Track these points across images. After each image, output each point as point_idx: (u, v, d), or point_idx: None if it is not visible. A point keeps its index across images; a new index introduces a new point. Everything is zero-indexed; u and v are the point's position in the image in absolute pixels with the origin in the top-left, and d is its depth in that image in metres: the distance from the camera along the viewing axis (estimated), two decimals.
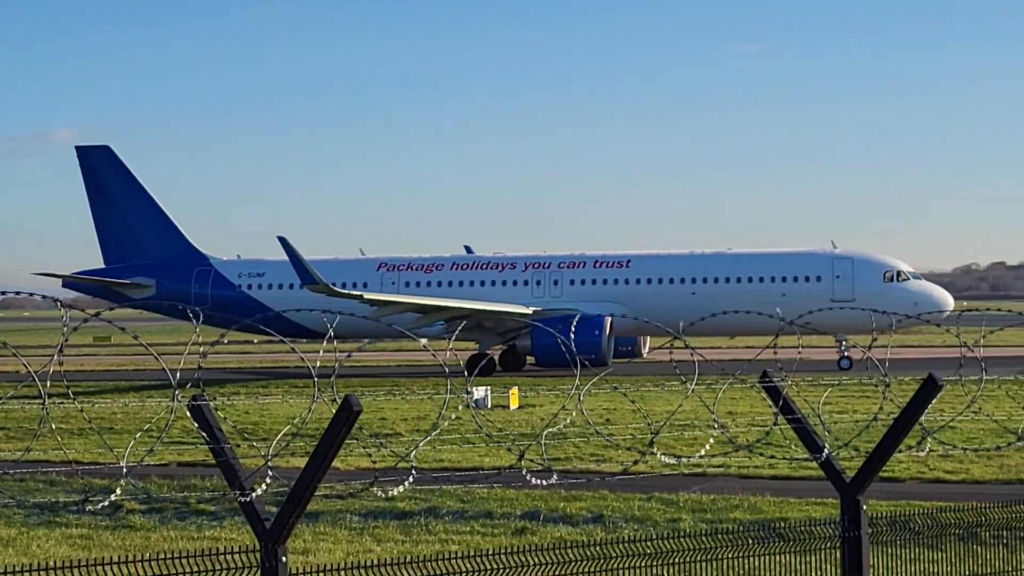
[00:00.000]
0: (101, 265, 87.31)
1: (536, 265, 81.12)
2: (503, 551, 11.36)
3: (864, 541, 10.45)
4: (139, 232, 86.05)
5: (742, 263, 78.95)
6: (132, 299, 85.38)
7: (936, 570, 16.66)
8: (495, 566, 11.18)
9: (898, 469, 31.26)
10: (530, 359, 77.44)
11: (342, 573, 11.07)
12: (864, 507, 10.57)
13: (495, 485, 27.81)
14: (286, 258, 77.82)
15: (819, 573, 14.62)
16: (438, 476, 26.35)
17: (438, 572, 11.07)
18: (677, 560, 11.94)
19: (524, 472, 11.44)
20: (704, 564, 12.14)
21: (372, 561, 11.35)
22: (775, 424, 10.87)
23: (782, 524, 11.71)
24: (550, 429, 11.03)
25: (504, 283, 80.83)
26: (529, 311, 76.12)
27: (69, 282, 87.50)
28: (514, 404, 49.98)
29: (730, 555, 11.99)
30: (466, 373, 12.48)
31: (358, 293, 73.52)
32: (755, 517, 25.07)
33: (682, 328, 13.37)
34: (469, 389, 12.31)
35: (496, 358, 77.22)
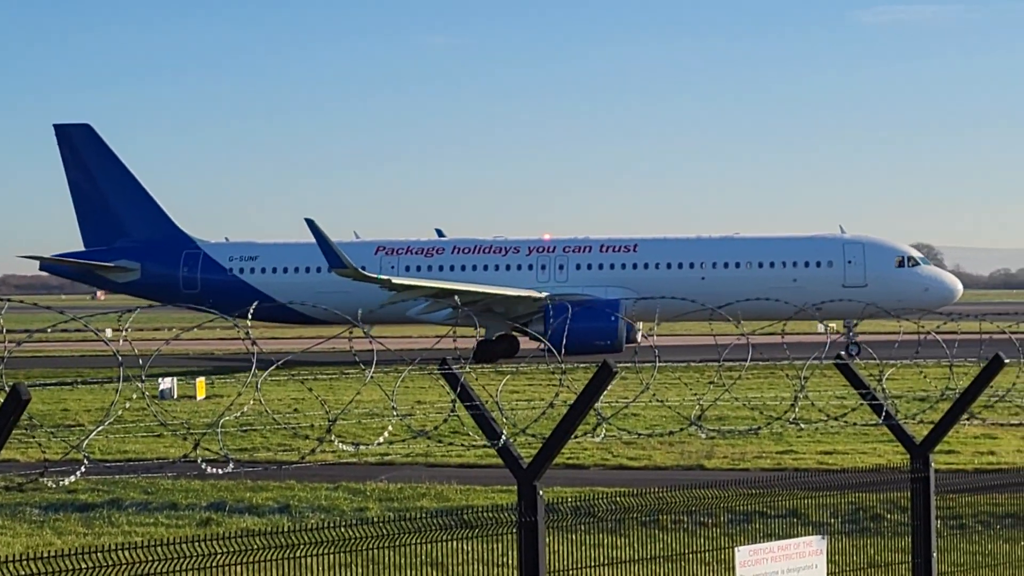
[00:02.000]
0: (80, 248, 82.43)
1: (541, 249, 78.47)
2: (185, 541, 11.17)
3: (540, 526, 10.55)
4: (122, 214, 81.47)
5: (752, 248, 76.98)
6: (115, 283, 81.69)
7: (619, 555, 16.94)
8: (176, 555, 10.97)
9: (583, 456, 31.81)
10: (526, 344, 75.14)
11: (19, 566, 10.72)
12: (540, 493, 10.66)
13: (181, 476, 27.36)
14: (279, 241, 75.21)
15: (502, 558, 14.76)
16: (112, 466, 25.72)
17: (119, 563, 10.82)
18: (362, 547, 11.90)
19: (199, 461, 11.25)
20: (389, 551, 12.12)
21: (52, 553, 11.02)
22: (453, 412, 10.90)
23: (467, 511, 11.73)
24: (226, 418, 10.85)
25: (508, 267, 77.88)
26: (543, 296, 73.31)
27: (47, 265, 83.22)
28: (201, 394, 49.23)
29: (414, 541, 11.99)
30: (472, 358, 12.33)
31: (386, 278, 70.73)
32: (441, 505, 25.20)
33: (658, 319, 13.38)
34: (157, 383, 12.02)
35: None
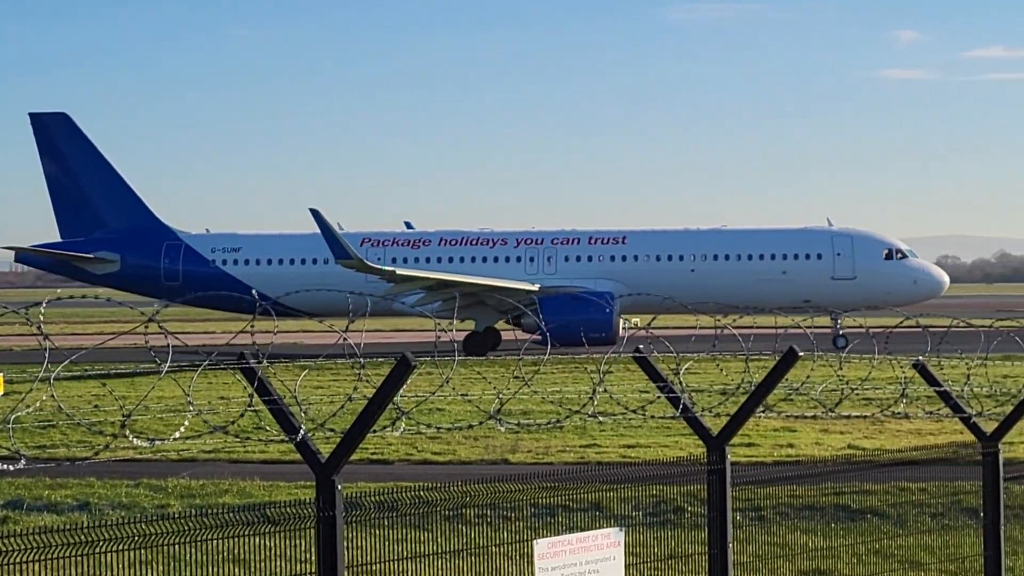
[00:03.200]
0: (56, 239, 79.40)
1: (529, 241, 77.08)
2: None
3: (339, 521, 10.52)
4: (100, 204, 78.70)
5: (741, 240, 76.35)
6: (94, 274, 78.34)
7: (423, 549, 16.96)
8: None
9: (387, 451, 31.79)
10: (522, 336, 73.54)
11: None
12: (339, 487, 10.63)
13: None
14: (262, 232, 73.33)
15: (304, 554, 14.70)
16: None
17: None
18: (162, 544, 11.76)
19: None
20: (189, 547, 11.99)
21: None
22: (249, 407, 10.81)
23: (270, 507, 11.65)
24: (18, 413, 10.63)
25: (496, 259, 76.55)
26: (535, 287, 72.22)
27: (23, 256, 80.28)
28: None
29: (215, 537, 11.87)
30: (464, 352, 12.11)
31: (390, 269, 69.37)
32: (244, 500, 25.00)
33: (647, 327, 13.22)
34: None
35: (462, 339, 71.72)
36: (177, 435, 10.58)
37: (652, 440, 33.61)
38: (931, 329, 17.00)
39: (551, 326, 71.43)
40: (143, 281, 77.14)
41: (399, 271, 70.01)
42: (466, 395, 13.21)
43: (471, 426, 13.01)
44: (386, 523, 14.18)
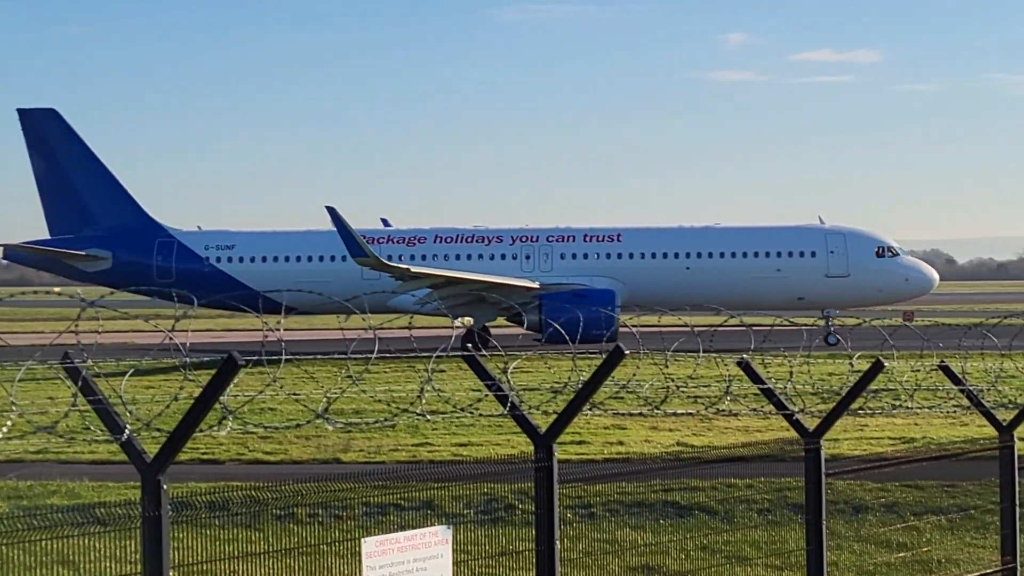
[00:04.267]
0: (45, 236, 77.30)
1: (524, 239, 76.50)
2: None
3: (164, 521, 10.46)
4: (90, 201, 76.63)
5: (735, 238, 76.34)
6: (84, 272, 76.34)
7: (254, 548, 16.94)
8: None
9: (219, 451, 31.56)
10: (518, 331, 72.31)
11: None
12: (165, 487, 10.57)
13: None
14: (256, 230, 72.70)
15: (134, 555, 14.58)
16: None
17: None
18: None
19: None
20: (16, 549, 11.87)
21: None
22: (74, 407, 10.72)
23: (99, 507, 11.56)
24: None
25: (492, 256, 75.93)
26: (536, 285, 71.53)
27: (12, 253, 78.04)
28: None
29: (43, 538, 11.74)
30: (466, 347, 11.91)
31: (405, 267, 68.73)
32: (73, 501, 24.68)
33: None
34: None
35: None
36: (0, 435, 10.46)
37: (484, 439, 33.74)
38: (754, 328, 17.35)
39: (553, 324, 70.93)
40: (135, 278, 75.43)
41: (412, 269, 69.85)
42: (296, 395, 13.22)
43: (299, 425, 13.01)
44: (216, 523, 14.14)
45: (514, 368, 13.93)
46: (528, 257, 76.57)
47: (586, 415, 15.11)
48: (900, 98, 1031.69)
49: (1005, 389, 20.34)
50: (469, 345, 15.02)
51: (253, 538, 17.79)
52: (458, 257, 76.65)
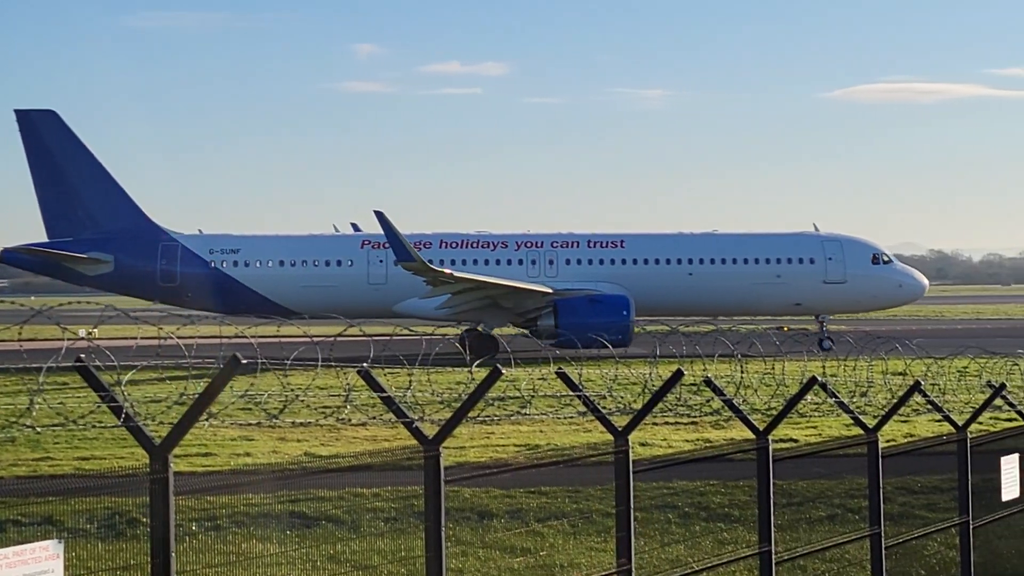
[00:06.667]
0: (44, 239, 72.96)
1: (529, 244, 75.35)
2: None
3: None
4: (90, 204, 72.55)
5: (736, 244, 76.17)
6: (85, 275, 72.43)
7: None
8: None
9: None
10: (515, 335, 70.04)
11: None
12: None
13: None
14: (261, 233, 72.05)
15: None
16: None
17: None
18: None
19: None
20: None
21: None
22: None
23: None
24: None
25: (498, 262, 74.66)
26: (549, 291, 70.00)
27: (11, 256, 73.13)
28: None
29: None
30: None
31: (450, 272, 67.17)
32: None
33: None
34: None
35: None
36: None
37: (107, 452, 33.21)
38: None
39: (567, 329, 67.23)
40: (138, 282, 74.22)
41: (457, 274, 69.65)
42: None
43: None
44: None
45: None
46: (534, 262, 77.17)
47: (213, 427, 15.00)
48: (527, 110, 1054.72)
49: (625, 396, 21.02)
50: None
51: None
52: (464, 262, 76.52)
